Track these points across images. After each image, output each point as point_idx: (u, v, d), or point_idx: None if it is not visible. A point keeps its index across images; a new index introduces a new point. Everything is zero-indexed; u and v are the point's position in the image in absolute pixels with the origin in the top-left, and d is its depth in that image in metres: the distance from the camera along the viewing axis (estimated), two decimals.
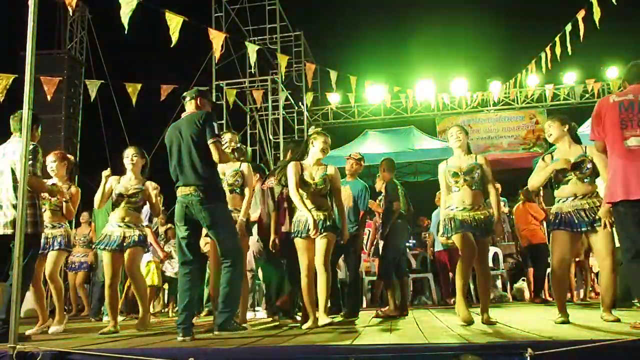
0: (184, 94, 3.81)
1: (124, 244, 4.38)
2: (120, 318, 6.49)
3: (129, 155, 4.54)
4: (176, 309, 6.85)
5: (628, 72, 3.52)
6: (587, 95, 13.32)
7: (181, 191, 3.56)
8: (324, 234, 4.04)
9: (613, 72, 12.63)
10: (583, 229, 3.75)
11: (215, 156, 3.53)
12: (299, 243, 4.14)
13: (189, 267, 3.56)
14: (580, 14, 7.97)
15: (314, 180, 4.15)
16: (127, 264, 4.44)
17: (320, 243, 4.07)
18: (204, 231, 3.83)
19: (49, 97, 8.56)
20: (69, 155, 4.92)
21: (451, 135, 4.17)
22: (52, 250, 4.57)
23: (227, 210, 3.82)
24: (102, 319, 6.54)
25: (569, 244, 3.82)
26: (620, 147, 3.26)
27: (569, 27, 8.49)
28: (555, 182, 3.96)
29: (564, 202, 3.86)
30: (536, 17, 15.32)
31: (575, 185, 3.82)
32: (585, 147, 3.94)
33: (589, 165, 3.82)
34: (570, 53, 8.66)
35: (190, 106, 3.74)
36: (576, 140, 4.00)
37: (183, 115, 3.76)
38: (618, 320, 3.67)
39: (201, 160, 3.53)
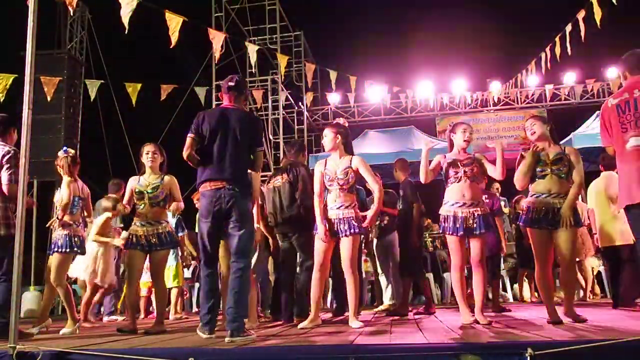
0: (232, 83, 3.68)
1: (150, 243, 4.31)
2: (120, 318, 6.55)
3: (149, 152, 4.44)
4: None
5: (628, 62, 3.39)
6: (587, 95, 13.32)
7: (212, 185, 3.46)
8: (348, 235, 4.01)
9: (613, 72, 12.65)
10: (549, 227, 3.77)
11: (257, 163, 3.62)
12: (319, 242, 4.11)
13: (214, 266, 3.56)
14: (580, 14, 7.97)
15: (336, 174, 4.12)
16: (151, 267, 4.39)
17: (346, 245, 4.03)
18: None
19: (49, 97, 8.56)
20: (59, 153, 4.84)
21: (464, 131, 4.08)
22: (56, 251, 4.43)
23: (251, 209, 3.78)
24: (103, 319, 6.55)
25: (544, 241, 3.82)
26: (622, 150, 3.20)
27: (569, 27, 8.49)
28: (533, 175, 3.94)
29: (537, 197, 3.86)
30: (536, 17, 15.34)
31: (550, 181, 3.84)
32: (564, 147, 4.03)
33: (566, 164, 3.86)
34: (570, 53, 8.66)
35: (236, 100, 3.70)
36: (555, 140, 4.06)
37: (226, 105, 3.69)
38: (585, 321, 3.67)
39: (244, 158, 3.56)
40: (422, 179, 4.13)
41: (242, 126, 3.55)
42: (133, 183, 4.43)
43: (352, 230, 4.00)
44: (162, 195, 4.38)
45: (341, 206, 4.06)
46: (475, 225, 3.88)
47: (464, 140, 4.06)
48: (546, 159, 3.89)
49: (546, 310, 3.81)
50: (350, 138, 4.36)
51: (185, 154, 3.55)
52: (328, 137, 4.21)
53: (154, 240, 4.31)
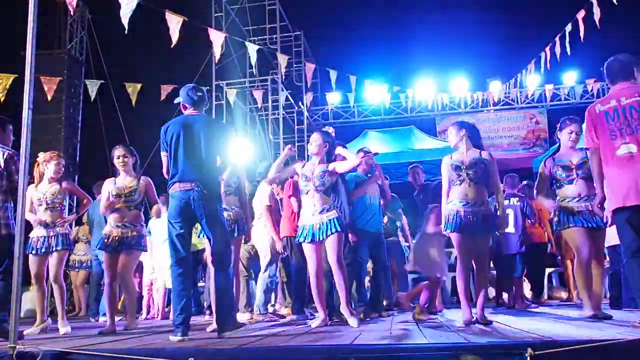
0: (201, 93, 3.80)
1: (122, 245, 4.42)
2: (117, 318, 6.54)
3: (119, 156, 4.56)
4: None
5: (609, 69, 3.45)
6: (587, 95, 13.32)
7: (181, 186, 3.54)
8: (331, 234, 4.08)
9: None
10: (585, 225, 3.97)
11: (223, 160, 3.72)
12: (305, 247, 4.21)
13: (184, 266, 3.54)
14: (580, 14, 7.97)
15: (313, 175, 4.21)
16: (120, 267, 4.46)
17: (329, 243, 4.11)
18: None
19: (49, 97, 8.55)
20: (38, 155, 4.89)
21: (450, 133, 4.19)
22: (54, 251, 4.50)
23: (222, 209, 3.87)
24: (99, 320, 6.53)
25: (583, 238, 4.00)
26: (613, 157, 3.29)
27: (569, 27, 8.50)
28: (557, 181, 4.12)
29: (568, 202, 4.03)
30: (536, 17, 15.33)
31: (578, 185, 4.03)
32: (586, 150, 4.05)
33: (589, 167, 3.90)
34: (570, 53, 8.66)
35: (199, 108, 3.80)
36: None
37: (189, 112, 3.78)
38: (610, 317, 3.86)
39: (211, 162, 3.64)
40: None
41: (207, 130, 3.65)
42: (109, 186, 4.54)
43: (336, 229, 4.07)
44: (139, 199, 4.50)
45: (322, 210, 4.14)
46: (476, 225, 3.88)
47: (455, 144, 4.12)
48: (570, 164, 4.06)
49: (586, 304, 4.05)
50: (334, 149, 4.43)
51: (166, 175, 3.70)
52: (316, 142, 4.28)
53: (125, 241, 4.42)
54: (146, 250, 4.77)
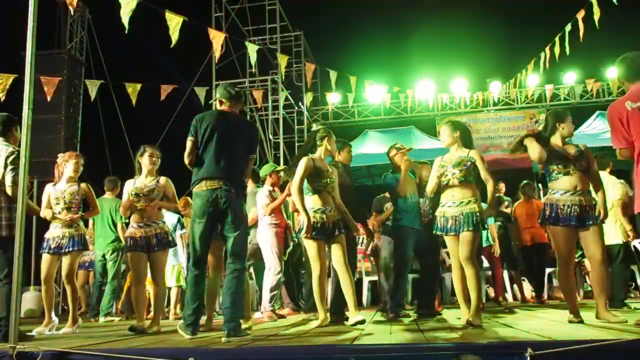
0: (235, 89, 3.78)
1: (152, 245, 4.39)
2: (117, 318, 6.54)
3: (151, 154, 4.48)
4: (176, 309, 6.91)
5: (624, 69, 3.35)
6: (587, 95, 13.32)
7: (208, 185, 3.48)
8: (339, 234, 4.09)
9: (613, 72, 12.64)
10: (573, 224, 3.73)
11: (247, 170, 3.69)
12: (309, 243, 4.12)
13: (201, 268, 3.55)
14: (580, 14, 7.98)
15: (328, 176, 4.17)
16: (152, 266, 4.46)
17: (334, 245, 4.10)
18: None
19: (48, 97, 8.55)
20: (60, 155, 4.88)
21: (443, 133, 4.14)
22: (69, 251, 4.49)
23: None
24: (99, 320, 6.52)
25: (568, 239, 3.78)
26: None
27: (568, 27, 8.50)
28: (551, 172, 3.87)
29: (561, 194, 3.80)
30: (536, 17, 15.33)
31: (575, 178, 3.78)
32: (578, 144, 3.96)
33: (586, 160, 3.83)
34: (570, 53, 8.66)
35: (235, 106, 3.76)
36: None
37: (225, 109, 3.72)
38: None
39: (240, 161, 3.61)
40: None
41: (240, 130, 3.63)
42: (129, 187, 4.47)
43: (343, 230, 4.10)
44: (157, 197, 4.43)
45: (330, 209, 4.13)
46: (459, 223, 3.86)
47: (447, 144, 4.09)
48: (567, 155, 3.82)
49: (569, 309, 3.81)
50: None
51: (187, 160, 3.59)
52: (336, 143, 4.36)
53: (153, 241, 4.38)
54: (176, 245, 4.76)
